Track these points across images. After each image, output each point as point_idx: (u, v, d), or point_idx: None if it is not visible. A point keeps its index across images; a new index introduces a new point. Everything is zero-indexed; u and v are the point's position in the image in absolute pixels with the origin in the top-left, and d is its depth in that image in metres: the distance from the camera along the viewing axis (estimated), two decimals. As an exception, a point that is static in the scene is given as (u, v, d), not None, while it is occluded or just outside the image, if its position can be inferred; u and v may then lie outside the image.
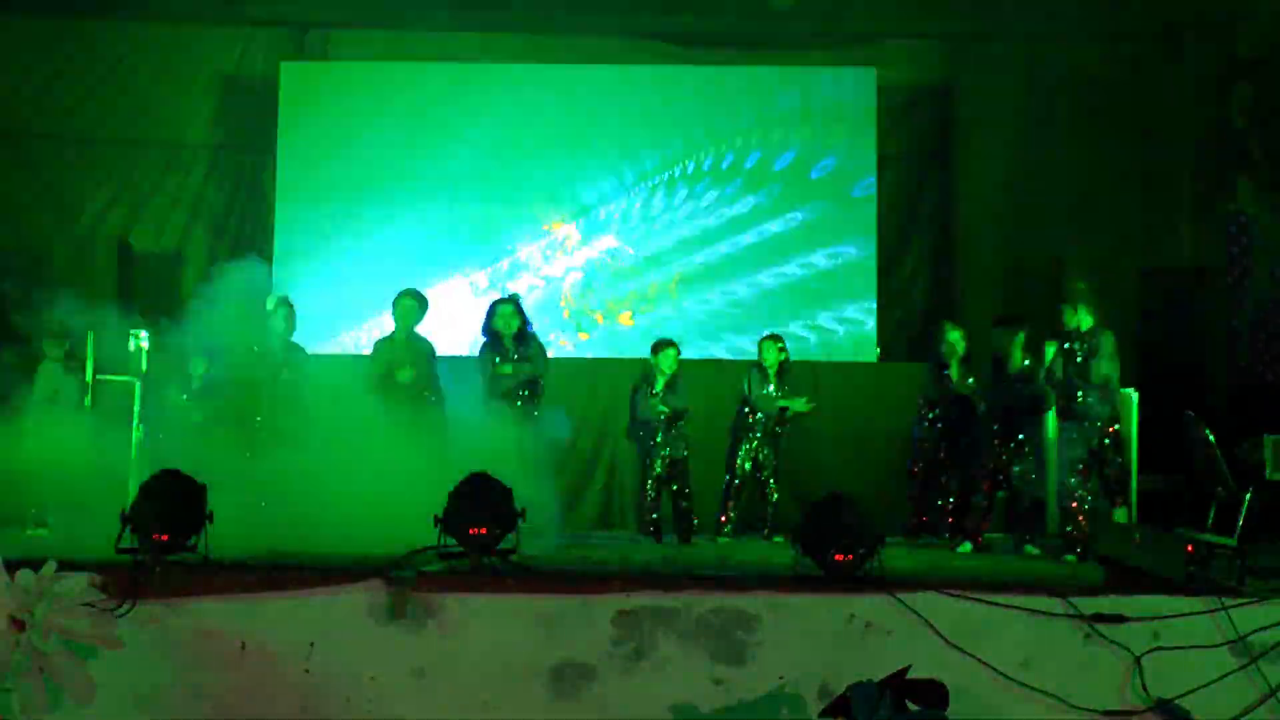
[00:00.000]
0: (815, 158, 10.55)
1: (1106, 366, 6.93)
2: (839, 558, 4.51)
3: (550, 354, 8.22)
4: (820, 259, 10.47)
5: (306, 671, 4.27)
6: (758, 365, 8.27)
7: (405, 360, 7.56)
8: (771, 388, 8.19)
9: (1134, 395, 8.29)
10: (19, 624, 3.52)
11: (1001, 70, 10.67)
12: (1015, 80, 10.60)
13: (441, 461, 5.93)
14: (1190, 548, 4.40)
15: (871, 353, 10.32)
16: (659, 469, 7.92)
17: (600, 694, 4.30)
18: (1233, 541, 5.20)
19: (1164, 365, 9.21)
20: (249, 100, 10.78)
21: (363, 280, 9.99)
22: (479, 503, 4.64)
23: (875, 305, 10.41)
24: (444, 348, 8.18)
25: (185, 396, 8.22)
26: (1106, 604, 4.40)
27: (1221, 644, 4.36)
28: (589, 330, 10.36)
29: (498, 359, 7.52)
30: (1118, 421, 7.08)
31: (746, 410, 8.18)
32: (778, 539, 7.83)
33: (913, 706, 3.85)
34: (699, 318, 10.33)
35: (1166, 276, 9.80)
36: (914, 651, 4.20)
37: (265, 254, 9.82)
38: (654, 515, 7.92)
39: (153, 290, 9.91)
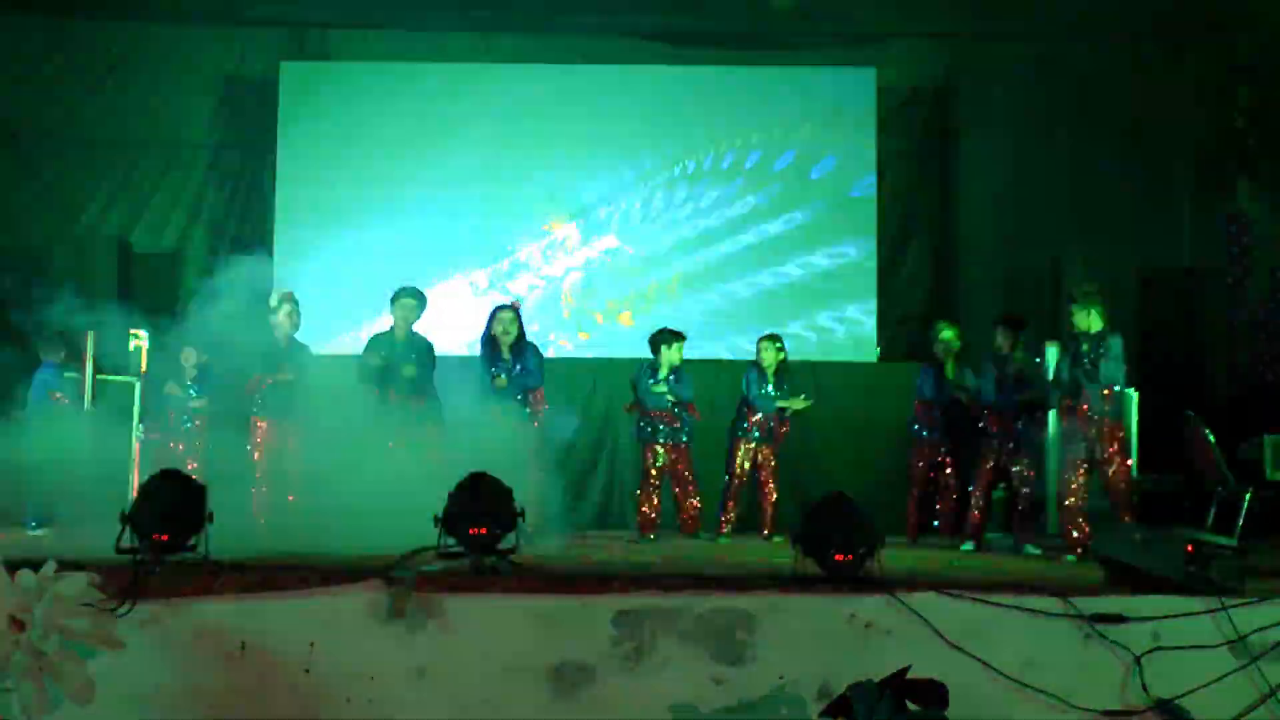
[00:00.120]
0: (815, 158, 10.56)
1: (1115, 369, 6.95)
2: (839, 558, 4.50)
3: (549, 354, 8.24)
4: (820, 259, 10.47)
5: (306, 671, 4.27)
6: (757, 365, 8.27)
7: (405, 356, 7.57)
8: (770, 388, 8.20)
9: (1134, 395, 8.31)
10: (19, 624, 3.52)
11: (1001, 70, 10.67)
12: (1015, 80, 10.60)
13: (441, 461, 5.94)
14: (1190, 548, 4.39)
15: (871, 353, 10.32)
16: (661, 459, 7.93)
17: (600, 694, 4.30)
18: (1233, 541, 5.20)
19: (1164, 365, 9.22)
20: (249, 100, 10.79)
21: (362, 280, 9.99)
22: (479, 503, 4.64)
23: (875, 305, 10.42)
24: (443, 347, 8.18)
25: (180, 388, 8.24)
26: (1106, 604, 4.40)
27: (1221, 644, 4.36)
28: (589, 330, 10.36)
29: (494, 370, 7.54)
30: (1122, 423, 7.08)
31: (746, 410, 8.19)
32: (778, 539, 7.84)
33: (913, 706, 3.85)
34: (699, 318, 10.33)
35: (1166, 276, 9.80)
36: (914, 651, 4.19)
37: (265, 254, 9.81)
38: (654, 510, 7.94)
39: (153, 290, 9.91)
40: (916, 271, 10.92)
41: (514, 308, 7.86)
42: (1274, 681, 4.37)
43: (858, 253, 10.45)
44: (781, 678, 4.33)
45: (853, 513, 4.61)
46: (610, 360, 9.82)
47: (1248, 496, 6.91)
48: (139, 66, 10.70)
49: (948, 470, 8.11)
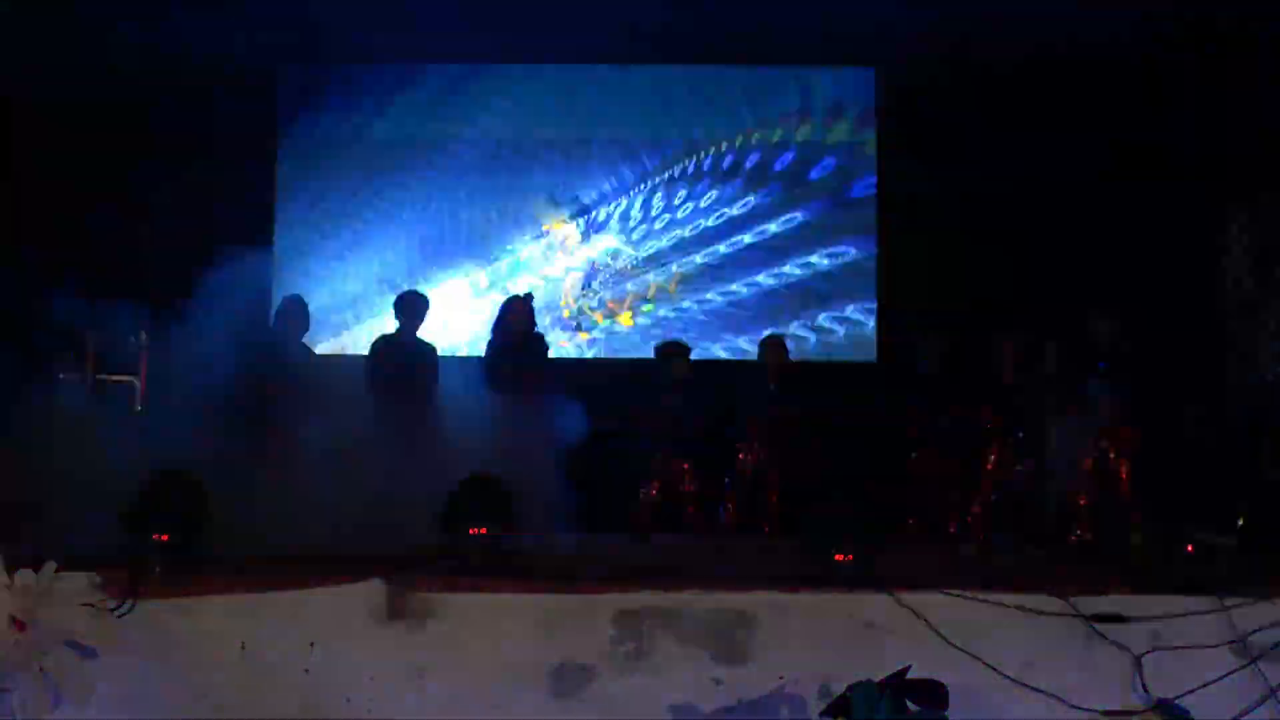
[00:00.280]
0: (815, 158, 10.56)
1: (1124, 369, 6.96)
2: (839, 558, 4.51)
3: (549, 354, 8.24)
4: (820, 259, 10.48)
5: (306, 671, 4.27)
6: (757, 365, 8.29)
7: (411, 361, 7.59)
8: (773, 388, 8.21)
9: (1134, 395, 8.30)
10: (19, 624, 3.52)
11: (1001, 70, 10.66)
12: (1015, 80, 10.59)
13: (442, 461, 5.93)
14: (1190, 548, 4.39)
15: (871, 353, 10.32)
16: (665, 462, 7.95)
17: (600, 694, 4.30)
18: (1233, 541, 5.20)
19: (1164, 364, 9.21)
20: (249, 100, 10.78)
21: (362, 280, 10.01)
22: (479, 503, 4.64)
23: (875, 305, 10.42)
24: (443, 347, 8.19)
25: (178, 388, 8.24)
26: (1106, 604, 4.39)
27: (1221, 644, 4.36)
28: (589, 330, 10.36)
29: (503, 362, 7.56)
30: (1129, 422, 7.08)
31: (746, 410, 8.20)
32: (778, 539, 7.84)
33: (913, 706, 3.85)
34: (699, 318, 10.34)
35: (1166, 276, 9.79)
36: (914, 651, 4.20)
37: (265, 254, 9.82)
38: (655, 510, 7.96)
39: (152, 290, 9.89)
40: (916, 271, 10.90)
41: (526, 300, 7.85)
42: (1274, 681, 4.36)
43: (858, 253, 10.45)
44: (781, 678, 4.33)
45: (853, 512, 4.61)
46: (610, 360, 9.82)
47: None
48: (139, 66, 10.68)
49: (947, 470, 8.11)
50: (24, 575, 3.63)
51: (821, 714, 3.98)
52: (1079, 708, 4.33)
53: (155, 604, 4.27)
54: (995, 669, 4.33)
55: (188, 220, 10.77)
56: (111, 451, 7.15)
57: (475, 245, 10.44)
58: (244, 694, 4.26)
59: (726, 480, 8.22)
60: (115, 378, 8.59)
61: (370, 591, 4.37)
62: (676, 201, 10.59)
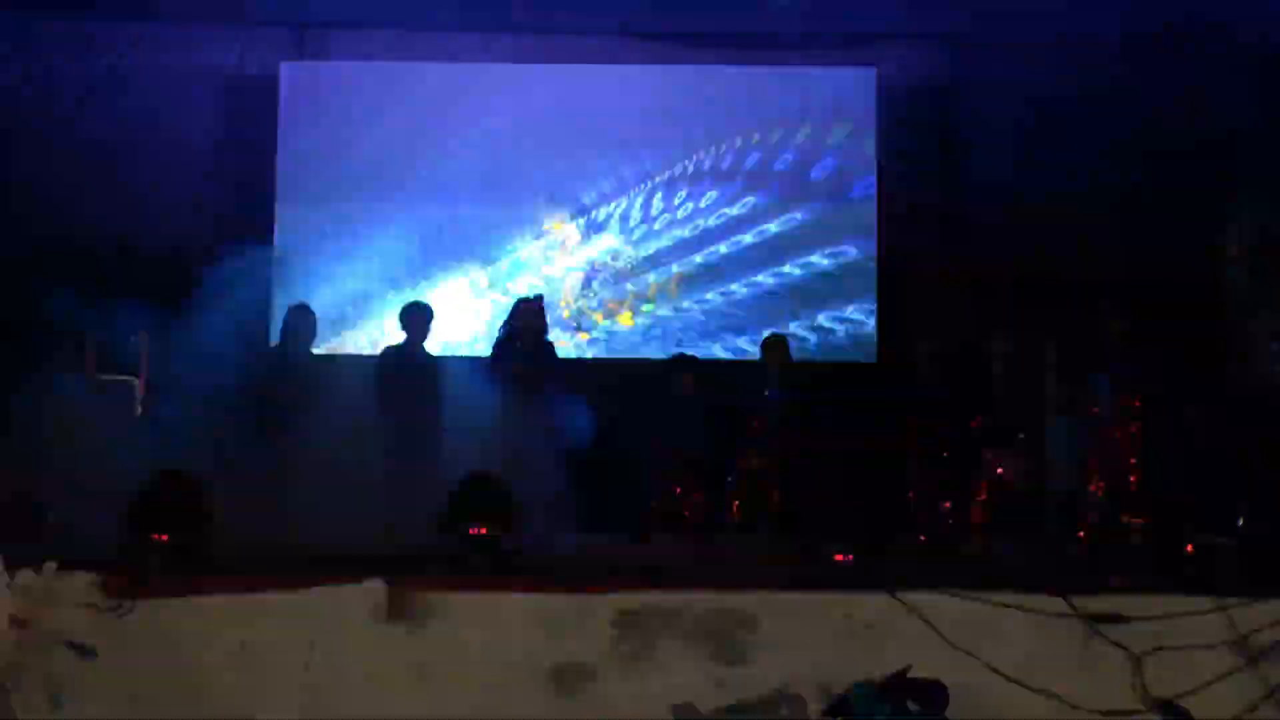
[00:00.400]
0: (815, 158, 10.54)
1: (1133, 369, 6.97)
2: (839, 558, 4.51)
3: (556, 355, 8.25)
4: (820, 259, 10.47)
5: (306, 671, 4.27)
6: (757, 365, 8.29)
7: (420, 368, 7.61)
8: (775, 389, 8.22)
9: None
10: (19, 624, 3.53)
11: (1001, 70, 10.66)
12: (1015, 80, 10.59)
13: (444, 461, 5.94)
14: (1190, 548, 4.39)
15: (872, 353, 10.31)
16: (671, 467, 7.95)
17: (600, 694, 4.30)
18: (1233, 541, 5.20)
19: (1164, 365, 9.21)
20: (249, 100, 10.78)
21: (363, 280, 10.00)
22: (479, 503, 4.64)
23: (875, 305, 10.41)
24: (442, 346, 8.19)
25: (172, 393, 8.25)
26: (1106, 604, 4.40)
27: (1221, 644, 4.36)
28: (589, 330, 10.35)
29: (513, 363, 7.56)
30: (1136, 424, 7.07)
31: (746, 410, 8.20)
32: (777, 539, 7.84)
33: (913, 706, 3.86)
34: (699, 318, 10.33)
35: (1167, 275, 9.78)
36: (914, 651, 4.20)
37: (265, 254, 9.82)
38: (656, 511, 7.96)
39: (153, 290, 9.90)
40: (916, 271, 10.90)
41: (538, 301, 7.83)
42: (1274, 681, 4.36)
43: (858, 253, 10.44)
44: (781, 678, 4.33)
45: (851, 513, 4.62)
46: (610, 360, 9.82)
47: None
48: (139, 66, 10.70)
49: (947, 470, 8.10)
50: (24, 575, 3.63)
51: (821, 714, 3.99)
52: (1079, 708, 4.33)
53: (155, 604, 4.27)
54: (995, 669, 4.33)
55: (188, 220, 10.80)
56: (111, 452, 7.17)
57: (475, 245, 10.43)
58: (244, 694, 4.26)
59: (728, 480, 8.22)
60: (115, 378, 8.59)
61: (370, 591, 4.37)
62: (676, 201, 10.58)
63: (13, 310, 8.68)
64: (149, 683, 4.22)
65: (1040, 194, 10.35)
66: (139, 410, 8.40)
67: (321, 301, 9.40)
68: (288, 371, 7.56)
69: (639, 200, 10.57)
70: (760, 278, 10.47)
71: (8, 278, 9.48)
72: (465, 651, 4.33)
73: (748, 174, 10.56)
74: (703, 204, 10.55)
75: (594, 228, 10.55)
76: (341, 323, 9.91)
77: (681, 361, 8.09)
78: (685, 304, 10.44)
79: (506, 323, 7.71)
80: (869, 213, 10.47)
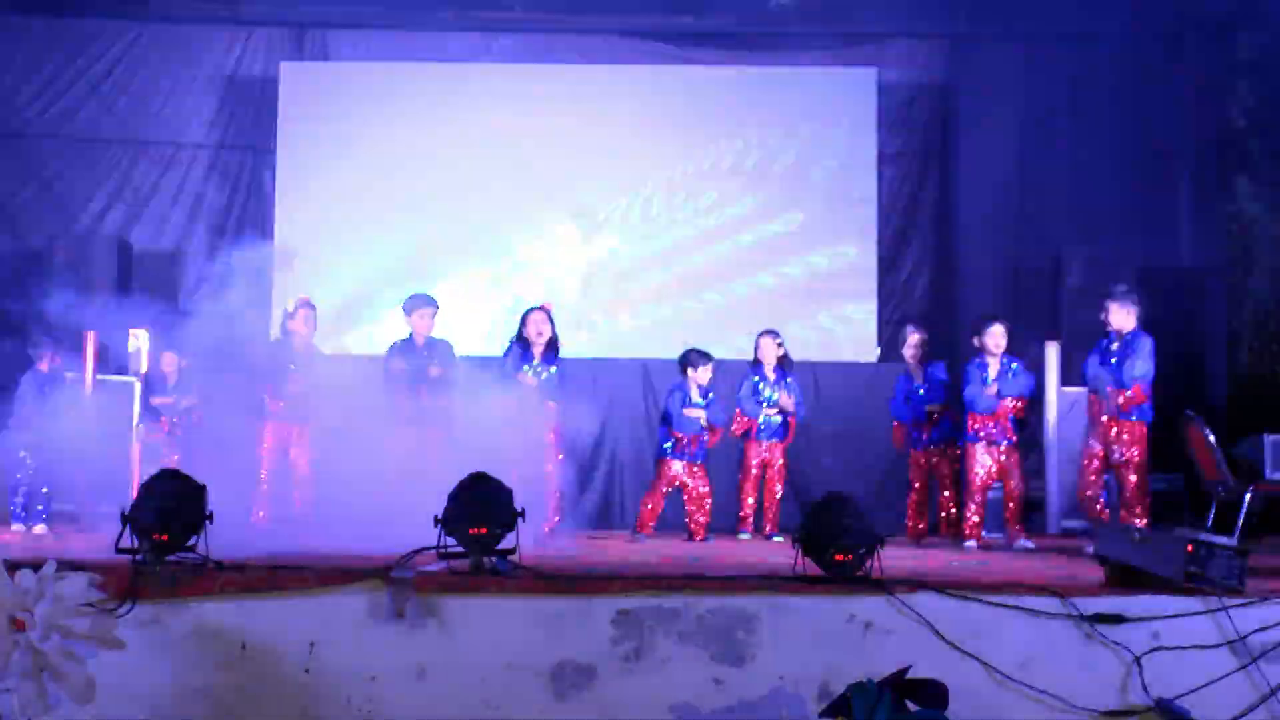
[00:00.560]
0: (815, 158, 10.55)
1: (1141, 367, 6.97)
2: (839, 558, 4.50)
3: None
4: (820, 259, 10.47)
5: (306, 671, 4.27)
6: (756, 363, 8.30)
7: (429, 359, 7.62)
8: (773, 385, 8.22)
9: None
10: (19, 624, 3.53)
11: (1001, 70, 10.68)
12: (1015, 80, 10.60)
13: (451, 461, 5.92)
14: (1190, 548, 4.39)
15: (871, 353, 10.32)
16: (676, 471, 7.94)
17: (600, 694, 4.30)
18: (1233, 541, 5.20)
19: (1164, 365, 9.24)
20: (249, 100, 10.80)
21: (363, 280, 10.01)
22: (479, 503, 4.64)
23: (875, 305, 10.41)
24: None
25: (163, 394, 8.28)
26: (1106, 604, 4.39)
27: (1221, 644, 4.36)
28: (589, 330, 10.34)
29: (524, 368, 7.59)
30: (1143, 423, 7.06)
31: (746, 410, 8.21)
32: (777, 539, 7.85)
33: (913, 706, 3.85)
34: (699, 318, 10.33)
35: (1166, 276, 9.80)
36: (914, 651, 4.20)
37: (265, 254, 9.82)
38: (656, 511, 7.97)
39: (152, 289, 9.91)
40: (916, 271, 10.91)
41: (545, 310, 7.88)
42: (1274, 681, 4.36)
43: (858, 253, 10.45)
44: (781, 678, 4.33)
45: (853, 513, 4.61)
46: (610, 360, 9.82)
47: (1247, 496, 6.91)
48: (139, 66, 10.71)
49: (947, 470, 8.11)
50: (24, 575, 3.63)
51: (821, 714, 3.98)
52: (1079, 708, 4.32)
53: (155, 604, 4.26)
54: (995, 669, 4.33)
55: (188, 220, 10.81)
56: (111, 452, 7.18)
57: (475, 245, 10.44)
58: (244, 694, 4.26)
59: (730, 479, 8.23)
60: (115, 378, 8.60)
61: (370, 591, 4.36)
62: (676, 202, 10.58)
63: (13, 310, 8.68)
64: (149, 683, 4.22)
65: (1039, 192, 10.39)
66: (137, 410, 8.41)
67: (321, 301, 9.40)
68: (287, 369, 7.56)
69: (639, 200, 10.57)
70: (761, 278, 10.48)
71: (8, 277, 9.49)
72: (465, 651, 4.32)
73: (748, 174, 10.57)
74: (702, 204, 10.55)
75: (594, 228, 10.55)
76: (342, 323, 9.91)
77: (697, 354, 8.08)
78: (685, 304, 10.44)
79: (519, 329, 7.76)
80: (869, 213, 10.48)
